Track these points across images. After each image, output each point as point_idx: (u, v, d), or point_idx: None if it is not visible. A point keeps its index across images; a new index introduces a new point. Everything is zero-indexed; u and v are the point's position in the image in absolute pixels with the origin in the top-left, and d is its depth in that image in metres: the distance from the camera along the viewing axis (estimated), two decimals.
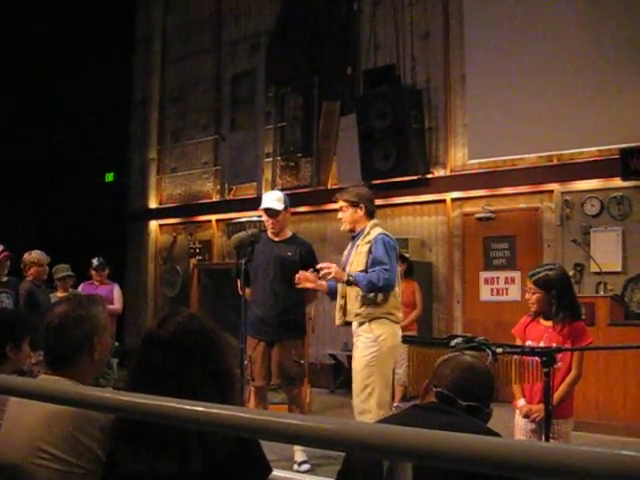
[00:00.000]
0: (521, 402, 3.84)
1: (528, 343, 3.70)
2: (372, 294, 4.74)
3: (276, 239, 5.52)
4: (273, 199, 5.50)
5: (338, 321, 5.01)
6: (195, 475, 1.64)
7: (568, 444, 0.85)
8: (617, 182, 7.97)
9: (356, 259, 4.85)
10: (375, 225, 4.98)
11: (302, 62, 10.77)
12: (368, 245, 4.83)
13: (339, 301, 4.96)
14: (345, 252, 5.12)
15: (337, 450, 1.17)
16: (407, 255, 8.64)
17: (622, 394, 6.70)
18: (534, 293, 3.77)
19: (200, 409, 1.23)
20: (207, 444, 1.65)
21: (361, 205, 4.95)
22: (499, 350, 2.54)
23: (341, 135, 10.10)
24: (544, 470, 0.92)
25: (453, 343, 2.55)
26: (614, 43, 8.08)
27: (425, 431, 1.04)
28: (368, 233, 4.90)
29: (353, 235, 5.02)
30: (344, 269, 4.87)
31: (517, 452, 0.93)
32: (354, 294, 4.80)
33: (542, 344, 3.63)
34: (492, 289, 8.88)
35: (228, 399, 1.73)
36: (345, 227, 5.02)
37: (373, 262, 4.74)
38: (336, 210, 5.17)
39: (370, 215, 4.99)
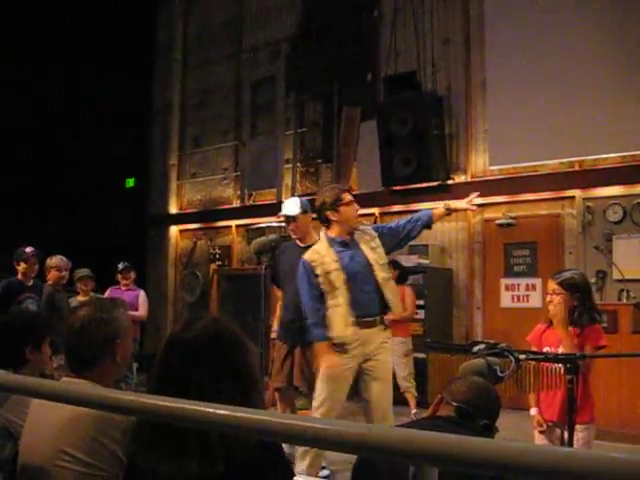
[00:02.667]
0: (532, 411, 3.83)
1: (546, 349, 3.67)
2: None
3: (302, 245, 5.38)
4: (289, 205, 5.46)
5: (350, 332, 4.56)
6: (217, 477, 1.64)
7: (596, 450, 0.83)
8: None
9: (375, 257, 4.65)
10: None
11: (322, 68, 10.78)
12: (376, 239, 4.71)
13: (351, 311, 4.57)
14: (333, 257, 4.65)
15: (364, 455, 1.16)
16: (428, 262, 8.64)
17: None
18: (558, 294, 3.73)
19: (222, 412, 1.22)
20: (229, 446, 1.64)
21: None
22: (522, 357, 2.51)
23: (361, 141, 10.09)
24: (576, 477, 0.90)
25: (475, 349, 2.53)
26: (637, 48, 8.02)
27: (453, 436, 1.02)
28: (364, 231, 4.75)
29: (342, 240, 4.71)
30: (355, 274, 4.62)
31: (553, 459, 0.90)
32: (391, 284, 4.71)
33: (560, 350, 3.60)
34: (513, 296, 8.82)
35: (250, 403, 1.72)
36: (360, 224, 4.82)
37: (394, 226, 4.79)
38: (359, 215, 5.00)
39: None
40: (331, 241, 4.70)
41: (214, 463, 1.63)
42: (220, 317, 1.93)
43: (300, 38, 11.19)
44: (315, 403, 4.62)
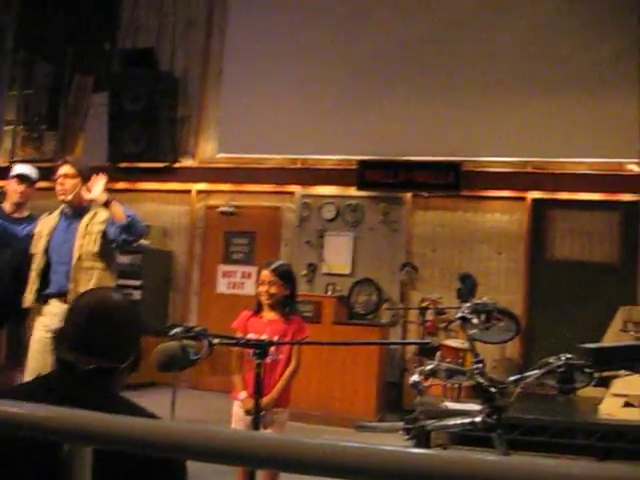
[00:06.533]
0: (242, 395, 3.96)
1: (250, 336, 3.84)
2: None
3: (15, 215, 5.10)
4: (29, 168, 5.32)
5: (30, 299, 4.47)
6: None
7: (291, 436, 0.90)
8: (353, 191, 8.50)
9: (86, 240, 4.41)
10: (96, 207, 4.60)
11: (58, 30, 10.21)
12: (102, 226, 4.43)
13: (36, 280, 4.48)
14: (52, 223, 4.56)
15: (24, 434, 1.14)
16: (147, 243, 8.56)
17: (340, 388, 7.17)
18: (274, 284, 3.91)
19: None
20: None
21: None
22: (216, 341, 2.61)
23: (91, 112, 9.74)
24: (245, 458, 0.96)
25: (172, 332, 2.58)
26: (361, 61, 8.60)
27: (109, 416, 1.05)
28: (96, 213, 4.50)
29: (66, 213, 4.56)
30: (55, 247, 4.48)
31: (232, 440, 0.95)
32: (88, 277, 4.37)
33: (265, 336, 3.78)
34: (229, 283, 9.05)
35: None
36: (66, 198, 4.48)
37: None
38: None
39: None
40: (63, 210, 4.60)
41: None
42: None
43: None
44: None
